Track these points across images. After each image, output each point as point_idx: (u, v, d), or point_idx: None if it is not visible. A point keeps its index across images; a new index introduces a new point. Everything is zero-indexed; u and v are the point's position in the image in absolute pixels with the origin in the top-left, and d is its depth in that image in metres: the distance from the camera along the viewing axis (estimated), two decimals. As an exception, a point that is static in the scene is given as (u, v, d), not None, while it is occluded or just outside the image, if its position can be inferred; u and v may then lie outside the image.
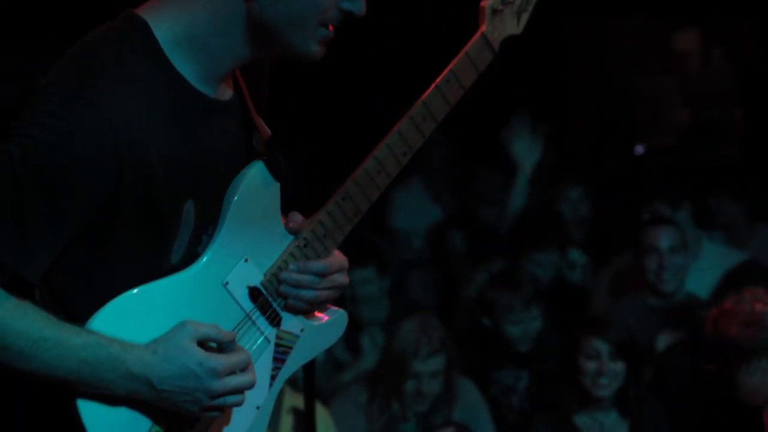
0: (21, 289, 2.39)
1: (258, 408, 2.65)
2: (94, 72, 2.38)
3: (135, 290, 2.44)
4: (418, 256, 7.24)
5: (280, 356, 2.67)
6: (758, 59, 9.35)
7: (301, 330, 2.69)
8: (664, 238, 5.88)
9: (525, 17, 2.79)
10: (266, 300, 2.61)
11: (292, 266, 2.61)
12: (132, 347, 2.40)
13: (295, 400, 4.94)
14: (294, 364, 2.70)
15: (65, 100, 2.35)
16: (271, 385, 2.67)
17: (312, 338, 2.70)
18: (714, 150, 8.01)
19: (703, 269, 6.11)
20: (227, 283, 2.55)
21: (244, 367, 2.49)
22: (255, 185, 2.56)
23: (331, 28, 2.49)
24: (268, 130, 2.68)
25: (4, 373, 2.39)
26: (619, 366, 5.13)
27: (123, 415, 2.45)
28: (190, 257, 2.52)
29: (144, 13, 2.48)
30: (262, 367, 2.63)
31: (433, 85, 2.66)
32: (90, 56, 2.42)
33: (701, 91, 9.66)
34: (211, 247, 2.53)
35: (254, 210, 2.57)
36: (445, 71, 2.66)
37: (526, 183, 6.86)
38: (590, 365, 5.12)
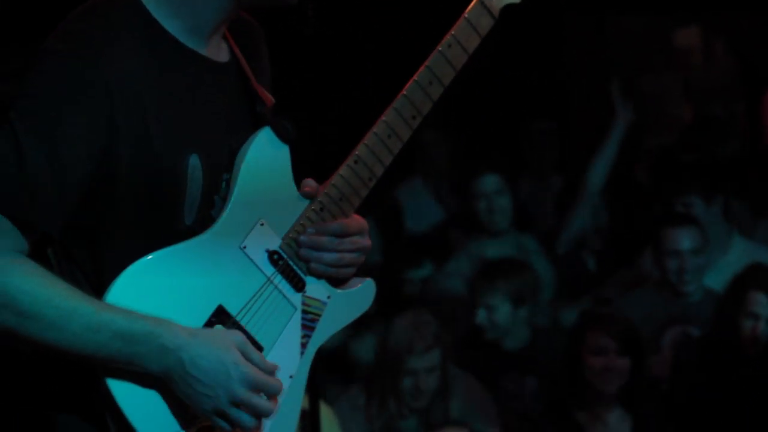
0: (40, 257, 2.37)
1: (291, 377, 2.61)
2: (84, 34, 2.40)
3: (150, 256, 2.41)
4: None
5: (309, 323, 2.63)
6: (760, 54, 9.32)
7: (328, 297, 2.66)
8: (685, 240, 5.83)
9: None
10: (287, 264, 2.58)
11: (309, 229, 2.59)
12: (168, 323, 2.37)
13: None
14: (324, 332, 2.67)
15: (56, 59, 2.38)
16: (302, 353, 2.62)
17: (341, 306, 2.66)
18: (717, 146, 7.98)
19: (731, 264, 6.04)
20: (245, 247, 2.51)
21: (272, 395, 2.45)
22: (264, 150, 2.55)
23: None
24: (272, 98, 2.67)
25: (32, 350, 2.37)
26: (625, 362, 5.11)
27: (154, 395, 2.41)
28: (204, 220, 2.49)
29: None
30: (291, 334, 2.60)
31: (436, 50, 2.65)
32: (78, 21, 2.43)
33: (703, 88, 9.63)
34: (225, 211, 2.50)
35: (266, 175, 2.56)
36: (446, 36, 2.65)
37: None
38: (597, 361, 5.10)
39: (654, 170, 7.85)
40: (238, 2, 2.54)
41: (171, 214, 2.47)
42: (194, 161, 2.48)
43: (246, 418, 2.43)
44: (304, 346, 2.63)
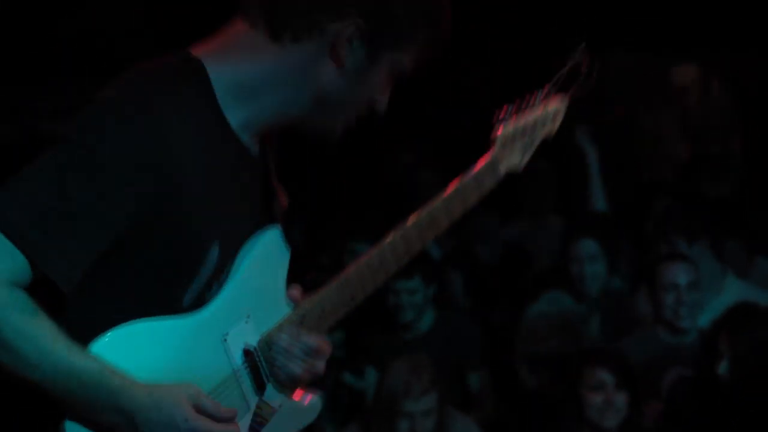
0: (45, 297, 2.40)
1: None
2: (149, 94, 2.41)
3: (142, 322, 2.44)
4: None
5: (256, 426, 2.65)
6: (758, 92, 9.33)
7: (280, 405, 2.69)
8: (682, 275, 5.84)
9: (528, 156, 2.94)
10: (256, 363, 2.61)
11: (284, 335, 2.62)
12: (131, 385, 2.40)
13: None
14: None
15: (116, 112, 2.38)
16: None
17: (287, 417, 2.68)
18: (714, 184, 7.97)
19: (724, 305, 6.02)
20: (226, 337, 2.55)
21: None
22: (270, 248, 2.60)
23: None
24: (287, 199, 2.72)
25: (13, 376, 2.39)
26: (623, 396, 5.10)
27: None
28: (199, 301, 2.52)
29: (201, 54, 2.51)
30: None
31: (439, 198, 2.75)
32: (147, 81, 2.44)
33: (701, 125, 9.64)
34: (219, 298, 2.53)
35: (264, 272, 2.61)
36: (453, 185, 2.77)
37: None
38: (596, 397, 5.08)
39: (647, 209, 7.84)
40: (298, 116, 2.56)
41: (176, 291, 2.50)
42: (215, 250, 2.51)
43: None
44: None
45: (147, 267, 2.45)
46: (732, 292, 6.19)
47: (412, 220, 2.74)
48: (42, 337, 2.35)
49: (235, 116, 2.53)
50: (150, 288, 2.47)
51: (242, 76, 2.51)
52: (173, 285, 2.50)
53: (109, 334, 2.41)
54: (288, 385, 2.69)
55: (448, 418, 5.30)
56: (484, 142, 2.86)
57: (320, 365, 2.70)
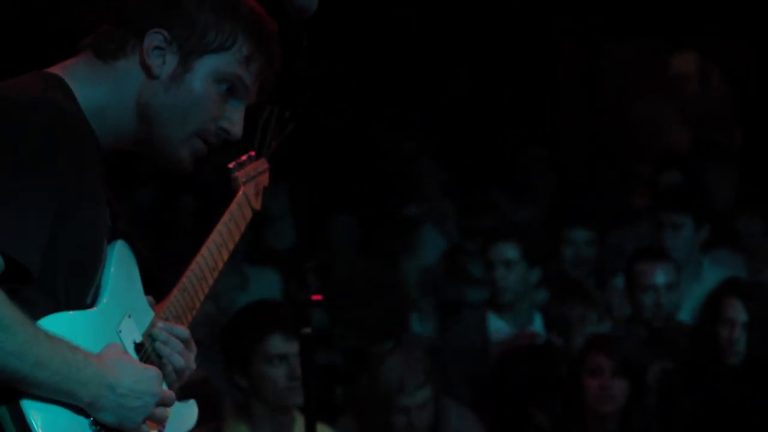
0: None
1: None
2: (58, 103, 2.47)
3: (71, 312, 2.46)
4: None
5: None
6: (756, 80, 9.33)
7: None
8: (659, 274, 5.79)
9: (260, 199, 3.16)
10: (149, 357, 2.67)
11: (162, 326, 2.72)
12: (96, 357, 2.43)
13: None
14: None
15: (41, 112, 2.42)
16: None
17: (176, 416, 2.69)
18: (714, 171, 7.97)
19: (704, 291, 6.01)
20: (120, 331, 2.60)
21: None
22: (125, 257, 2.67)
23: (205, 145, 2.65)
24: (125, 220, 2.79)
25: None
26: (621, 384, 5.10)
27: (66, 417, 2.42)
28: (95, 299, 2.58)
29: (59, 70, 2.60)
30: None
31: (217, 227, 2.97)
32: (42, 92, 2.49)
33: (700, 114, 9.65)
34: (106, 294, 2.59)
35: (128, 277, 2.68)
36: (224, 215, 3.01)
37: None
38: (593, 382, 5.10)
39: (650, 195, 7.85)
40: (136, 139, 2.64)
41: (85, 290, 2.53)
42: (109, 251, 2.60)
43: (162, 412, 2.55)
44: None
45: (66, 266, 2.46)
46: (710, 278, 6.16)
47: (206, 244, 2.92)
48: (25, 322, 2.32)
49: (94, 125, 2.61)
50: (65, 287, 2.48)
51: (90, 92, 2.59)
52: (83, 285, 2.53)
53: (44, 319, 2.39)
54: (174, 381, 2.74)
55: (444, 409, 5.32)
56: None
57: (193, 358, 2.77)
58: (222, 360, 5.27)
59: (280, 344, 4.73)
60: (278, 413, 4.85)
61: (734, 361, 5.25)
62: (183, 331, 2.75)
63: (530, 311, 6.14)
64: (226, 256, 2.95)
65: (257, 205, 3.15)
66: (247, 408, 4.90)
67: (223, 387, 5.34)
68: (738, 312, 5.23)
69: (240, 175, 3.10)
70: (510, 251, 6.01)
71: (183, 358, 2.72)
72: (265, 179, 3.21)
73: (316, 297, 3.93)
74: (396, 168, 8.16)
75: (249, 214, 3.10)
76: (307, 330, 3.90)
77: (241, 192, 3.08)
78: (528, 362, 5.56)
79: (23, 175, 2.36)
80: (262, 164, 3.22)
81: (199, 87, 2.62)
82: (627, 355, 5.21)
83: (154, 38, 2.59)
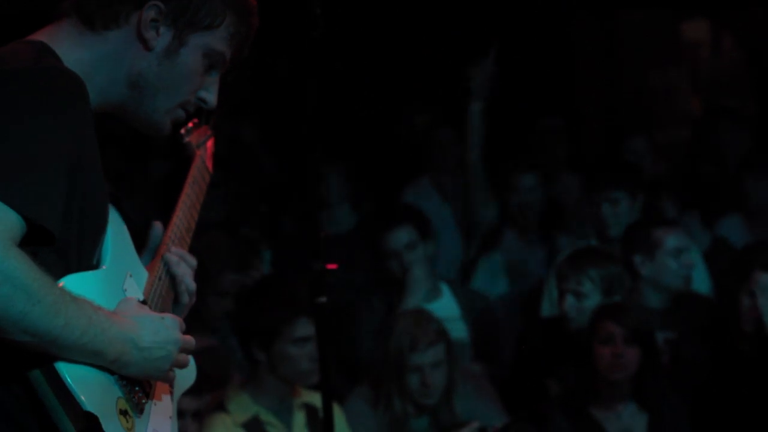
0: None
1: (170, 418, 2.74)
2: (63, 70, 2.54)
3: (85, 273, 2.52)
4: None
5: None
6: (768, 46, 9.31)
7: None
8: (683, 241, 5.83)
9: (212, 164, 3.28)
10: (159, 291, 2.80)
11: (174, 250, 2.88)
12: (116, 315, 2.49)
13: (306, 396, 4.96)
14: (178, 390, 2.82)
15: (47, 77, 2.48)
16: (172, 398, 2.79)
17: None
18: (727, 139, 7.96)
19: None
20: (126, 290, 2.66)
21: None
22: (115, 219, 2.73)
23: (184, 113, 2.76)
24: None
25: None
26: (633, 351, 5.09)
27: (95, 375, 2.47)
28: (99, 261, 2.64)
29: (41, 37, 2.65)
30: None
31: (185, 189, 3.10)
32: (46, 64, 2.54)
33: (712, 81, 9.62)
34: (109, 254, 2.65)
35: (122, 239, 2.75)
36: (188, 179, 3.13)
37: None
38: (605, 350, 5.09)
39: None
40: (119, 102, 2.70)
41: (93, 250, 2.58)
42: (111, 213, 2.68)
43: (188, 356, 2.65)
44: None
45: (75, 224, 2.50)
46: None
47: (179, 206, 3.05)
48: (38, 279, 2.33)
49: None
50: (78, 245, 2.52)
51: (77, 56, 2.64)
52: (91, 242, 2.58)
53: (67, 278, 2.45)
54: (186, 305, 2.88)
55: (459, 372, 5.29)
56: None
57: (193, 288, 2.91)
58: (238, 329, 5.32)
59: (307, 327, 4.77)
60: (283, 384, 4.92)
61: (752, 330, 5.26)
62: (193, 259, 2.90)
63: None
64: (196, 216, 3.08)
65: (211, 169, 3.27)
66: (254, 379, 4.96)
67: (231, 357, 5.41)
68: (763, 288, 5.24)
69: (192, 140, 3.23)
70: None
71: (192, 281, 2.88)
72: (211, 145, 3.33)
73: (331, 266, 3.98)
74: (411, 138, 8.17)
75: (207, 177, 3.22)
76: (323, 299, 3.96)
77: (198, 156, 3.22)
78: (541, 333, 5.63)
79: (40, 138, 2.40)
80: (206, 131, 3.33)
81: (191, 62, 2.70)
82: (639, 321, 5.21)
83: (151, 10, 2.65)
